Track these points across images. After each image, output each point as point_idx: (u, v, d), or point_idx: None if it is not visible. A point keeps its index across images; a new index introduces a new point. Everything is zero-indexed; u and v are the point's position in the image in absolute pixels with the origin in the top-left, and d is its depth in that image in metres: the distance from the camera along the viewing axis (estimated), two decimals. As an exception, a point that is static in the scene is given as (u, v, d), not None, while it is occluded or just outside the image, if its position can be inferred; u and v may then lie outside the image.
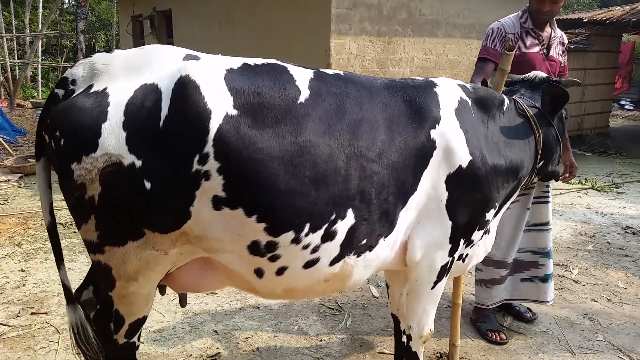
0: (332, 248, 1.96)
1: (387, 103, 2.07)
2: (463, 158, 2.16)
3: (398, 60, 8.02)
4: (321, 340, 3.29)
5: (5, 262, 4.45)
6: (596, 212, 6.37)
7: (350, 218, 1.94)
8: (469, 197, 2.22)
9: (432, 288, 2.33)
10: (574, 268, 4.57)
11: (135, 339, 2.08)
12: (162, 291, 2.42)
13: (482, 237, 2.52)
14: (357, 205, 1.94)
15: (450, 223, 2.18)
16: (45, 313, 3.54)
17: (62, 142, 1.71)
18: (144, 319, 2.06)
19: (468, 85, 2.38)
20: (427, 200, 2.12)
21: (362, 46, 7.57)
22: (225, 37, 9.53)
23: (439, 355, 3.15)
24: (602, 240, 5.35)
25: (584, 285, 4.23)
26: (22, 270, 4.26)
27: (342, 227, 1.93)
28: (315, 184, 1.83)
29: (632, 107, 18.49)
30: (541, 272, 3.40)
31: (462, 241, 2.30)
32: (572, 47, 10.58)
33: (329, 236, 1.92)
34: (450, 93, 2.23)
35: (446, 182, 2.14)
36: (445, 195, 2.14)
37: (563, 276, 4.41)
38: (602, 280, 4.34)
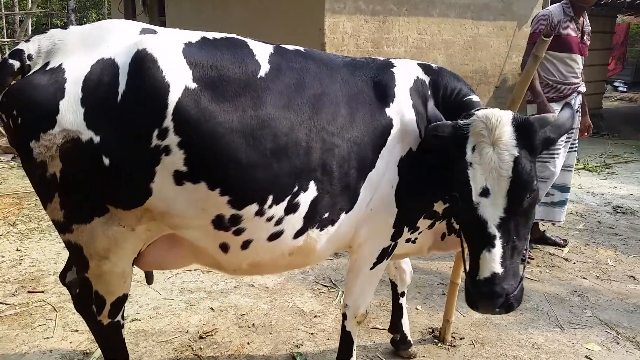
0: (296, 220, 1.98)
1: (347, 80, 2.09)
2: (414, 140, 2.13)
3: (393, 40, 7.98)
4: (315, 317, 3.35)
5: (1, 241, 4.46)
6: (587, 192, 6.44)
7: (312, 190, 1.96)
8: (417, 184, 2.17)
9: (372, 269, 2.31)
10: (564, 246, 4.64)
11: (119, 317, 2.10)
12: (149, 281, 2.46)
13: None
14: (319, 177, 1.96)
15: (396, 210, 2.16)
16: (42, 291, 3.57)
17: (19, 120, 1.70)
18: (125, 297, 2.08)
19: (433, 66, 2.35)
20: (383, 181, 2.11)
21: (357, 25, 7.52)
22: (219, 16, 9.43)
23: (430, 330, 3.21)
24: (593, 220, 5.43)
25: (574, 263, 4.30)
26: (18, 250, 4.28)
27: (305, 199, 1.96)
28: (277, 156, 1.85)
29: (625, 89, 18.52)
30: (555, 198, 4.47)
31: (405, 228, 2.28)
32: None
33: (292, 208, 1.95)
34: (406, 72, 2.23)
35: (399, 165, 2.11)
36: (396, 180, 2.12)
37: (554, 254, 4.48)
38: (591, 258, 4.41)
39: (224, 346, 3.00)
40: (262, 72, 1.88)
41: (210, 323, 3.23)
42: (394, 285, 2.93)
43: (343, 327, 2.48)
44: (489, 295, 1.80)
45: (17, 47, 1.79)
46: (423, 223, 2.36)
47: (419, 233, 2.40)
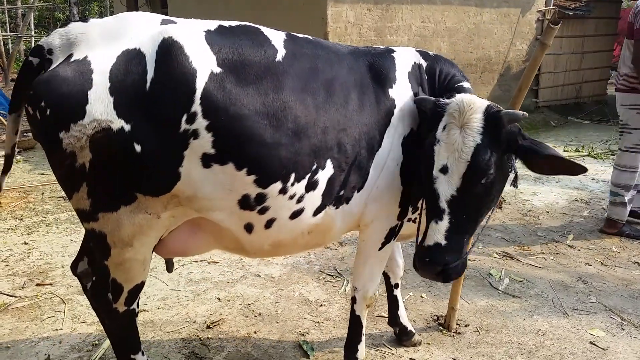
0: (315, 198, 2.08)
1: (352, 66, 2.19)
2: (414, 120, 2.23)
3: (396, 29, 7.94)
4: (321, 306, 3.38)
5: (9, 235, 4.50)
6: (592, 179, 6.43)
7: (329, 168, 2.06)
8: (419, 163, 2.20)
9: (380, 249, 2.39)
10: (569, 233, 4.65)
11: (134, 305, 2.14)
12: (170, 269, 2.48)
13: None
14: (336, 156, 2.06)
15: (401, 188, 2.25)
16: (50, 284, 3.61)
17: (48, 112, 1.71)
18: (142, 284, 2.11)
19: (430, 53, 2.43)
20: (389, 159, 2.20)
21: (360, 14, 7.49)
22: (221, 7, 9.41)
23: (435, 317, 3.24)
24: (597, 206, 5.42)
25: (579, 250, 4.31)
26: (25, 243, 4.32)
27: (323, 176, 2.05)
28: (298, 136, 1.94)
29: (630, 74, 18.31)
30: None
31: (410, 208, 2.36)
32: (570, 13, 10.45)
33: (312, 186, 2.04)
34: (405, 58, 2.32)
35: (402, 144, 2.21)
36: (401, 158, 2.21)
37: (558, 241, 4.48)
38: (596, 245, 4.42)
39: (231, 335, 3.03)
40: (279, 57, 1.97)
41: (217, 313, 3.27)
42: (387, 278, 2.95)
43: (352, 311, 2.54)
44: (429, 262, 1.94)
45: (38, 43, 1.82)
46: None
47: (419, 213, 2.45)
